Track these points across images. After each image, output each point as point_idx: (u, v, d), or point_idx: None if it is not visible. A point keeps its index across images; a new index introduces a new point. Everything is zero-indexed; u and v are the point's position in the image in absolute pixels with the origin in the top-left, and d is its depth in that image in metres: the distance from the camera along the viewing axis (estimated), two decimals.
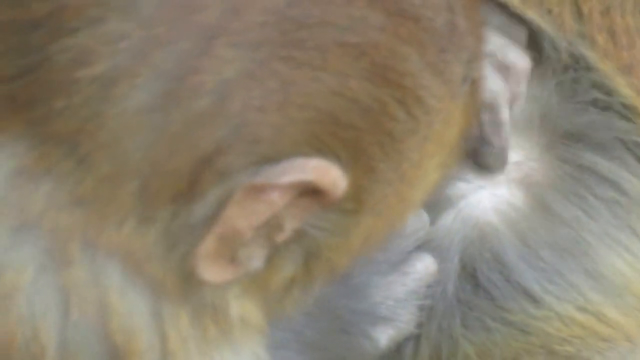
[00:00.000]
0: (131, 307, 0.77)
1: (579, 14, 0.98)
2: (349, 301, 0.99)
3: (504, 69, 0.97)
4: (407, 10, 0.77)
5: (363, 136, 0.76)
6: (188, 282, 0.76)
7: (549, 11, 0.96)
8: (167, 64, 0.70)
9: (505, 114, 0.96)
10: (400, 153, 0.79)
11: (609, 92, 0.96)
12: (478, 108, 0.89)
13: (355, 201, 0.78)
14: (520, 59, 0.97)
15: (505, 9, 0.98)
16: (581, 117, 0.97)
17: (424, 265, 0.97)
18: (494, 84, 0.93)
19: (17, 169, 0.75)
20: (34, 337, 0.77)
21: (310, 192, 0.73)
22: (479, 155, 0.96)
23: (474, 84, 0.85)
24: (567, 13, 0.97)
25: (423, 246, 0.97)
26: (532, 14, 0.96)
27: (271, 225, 0.74)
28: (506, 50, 0.97)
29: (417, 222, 0.96)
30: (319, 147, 0.73)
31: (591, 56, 0.97)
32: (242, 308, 0.80)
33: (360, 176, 0.77)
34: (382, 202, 0.81)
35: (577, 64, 0.97)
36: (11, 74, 0.74)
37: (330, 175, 0.73)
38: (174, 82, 0.70)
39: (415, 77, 0.78)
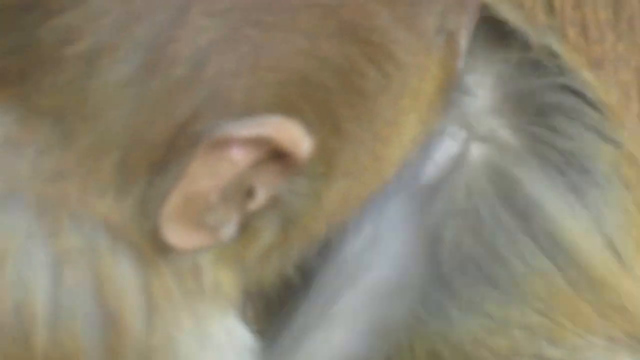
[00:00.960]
0: (120, 271, 0.79)
1: (550, 8, 1.01)
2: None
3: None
4: (366, 25, 0.78)
5: (333, 96, 0.77)
6: (163, 247, 0.78)
7: (522, 5, 0.98)
8: (145, 36, 0.73)
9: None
10: (373, 111, 0.80)
11: (577, 83, 0.97)
12: (457, 60, 0.89)
13: (325, 164, 0.78)
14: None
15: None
16: (549, 97, 0.98)
17: None
18: None
19: (4, 139, 0.78)
20: (24, 303, 0.78)
21: (276, 156, 0.74)
22: None
23: (450, 36, 0.86)
24: (539, 7, 1.00)
25: None
26: (505, 8, 0.97)
27: (240, 190, 0.75)
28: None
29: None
30: (288, 108, 0.75)
31: (561, 50, 0.98)
32: (217, 275, 0.82)
33: (329, 137, 0.78)
34: (354, 164, 0.81)
35: (548, 59, 0.98)
36: (3, 51, 0.77)
37: (290, 132, 0.74)
38: (152, 53, 0.73)
39: (385, 33, 0.79)
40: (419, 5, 0.80)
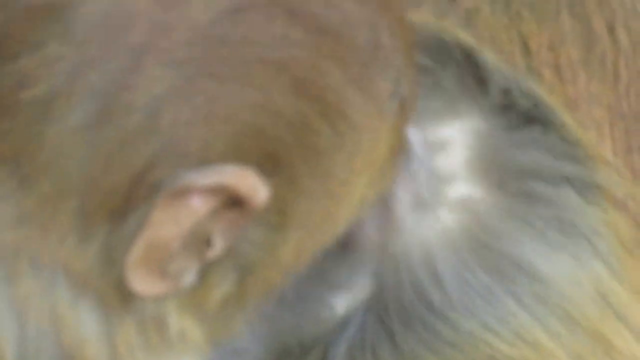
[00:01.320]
0: (81, 319, 0.79)
1: (527, 51, 1.02)
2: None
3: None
4: (327, 28, 0.79)
5: (288, 149, 0.78)
6: (127, 296, 0.78)
7: (501, 51, 1.01)
8: (100, 83, 0.73)
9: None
10: (326, 168, 0.81)
11: (556, 129, 0.98)
12: (408, 127, 0.90)
13: (281, 214, 0.79)
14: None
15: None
16: (528, 155, 0.98)
17: None
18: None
19: None
20: None
21: (234, 204, 0.75)
22: None
23: (403, 102, 0.86)
24: (517, 50, 1.02)
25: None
26: (487, 54, 0.98)
27: (199, 239, 0.76)
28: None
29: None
30: (244, 159, 0.75)
31: (540, 93, 0.99)
32: (181, 324, 0.82)
33: (285, 189, 0.78)
34: (308, 217, 0.82)
35: (528, 103, 0.99)
36: None
37: (248, 181, 0.74)
38: (107, 100, 0.73)
39: (337, 92, 0.80)
40: (373, 69, 0.81)
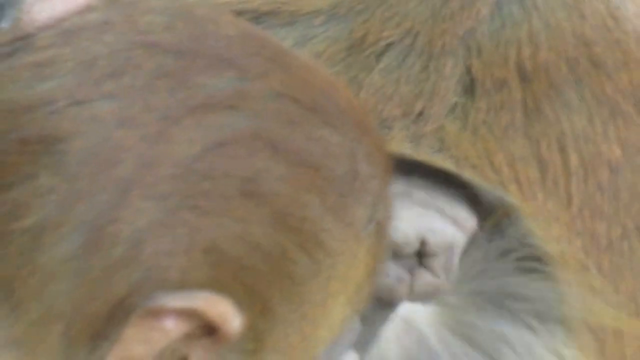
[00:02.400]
0: None
1: (492, 166, 1.04)
2: None
3: (455, 223, 1.03)
4: (308, 161, 0.81)
5: (263, 279, 0.79)
6: None
7: (474, 166, 1.01)
8: (88, 215, 0.75)
9: (456, 259, 1.01)
10: (302, 294, 0.82)
11: (531, 247, 1.01)
12: (385, 247, 0.91)
13: (255, 341, 0.80)
14: (468, 218, 1.03)
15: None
16: (501, 279, 1.02)
17: None
18: (449, 232, 0.99)
19: None
20: None
21: (208, 330, 0.76)
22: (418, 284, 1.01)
23: (379, 225, 0.87)
24: (486, 166, 1.03)
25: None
26: (468, 174, 1.01)
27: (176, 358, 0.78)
28: (456, 207, 1.04)
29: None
30: (219, 287, 0.77)
31: (516, 206, 1.02)
32: None
33: (259, 317, 0.79)
34: (284, 341, 0.83)
35: (506, 219, 1.02)
36: None
37: (220, 308, 0.75)
38: (94, 232, 0.75)
39: (315, 222, 0.81)
40: (351, 197, 0.83)
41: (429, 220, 0.99)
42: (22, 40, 0.89)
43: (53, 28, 0.89)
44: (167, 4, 0.95)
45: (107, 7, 0.92)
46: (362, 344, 1.00)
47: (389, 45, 1.05)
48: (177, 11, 0.92)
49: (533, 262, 1.00)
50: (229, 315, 0.76)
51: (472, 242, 1.01)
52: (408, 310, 1.01)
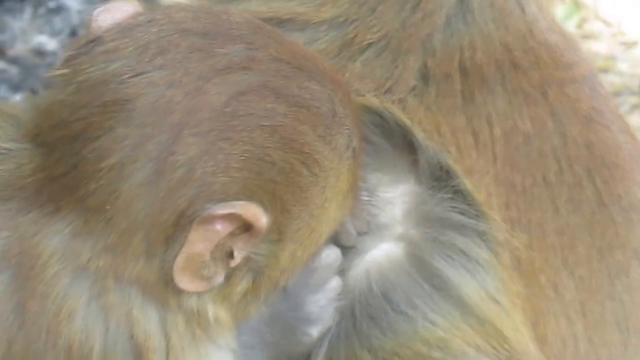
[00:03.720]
0: (147, 317, 1.07)
1: (439, 133, 1.27)
2: (292, 313, 1.25)
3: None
4: (300, 102, 1.07)
5: (279, 188, 1.05)
6: (178, 294, 1.06)
7: (425, 131, 1.24)
8: (154, 151, 1.01)
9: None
10: (307, 199, 1.09)
11: (463, 194, 1.24)
12: (360, 168, 1.15)
13: (278, 233, 1.07)
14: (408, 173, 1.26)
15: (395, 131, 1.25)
16: (444, 210, 1.24)
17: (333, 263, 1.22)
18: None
19: (72, 232, 1.06)
20: (86, 341, 1.06)
21: (245, 228, 1.01)
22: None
23: (355, 151, 1.13)
24: (434, 132, 1.26)
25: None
26: (418, 133, 1.24)
27: (224, 253, 1.03)
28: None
29: (333, 256, 1.23)
30: (250, 195, 1.02)
31: (453, 166, 1.24)
32: (216, 312, 1.09)
33: (279, 216, 1.06)
34: (298, 234, 1.10)
35: (443, 173, 1.24)
36: (63, 171, 1.06)
37: (252, 211, 1.01)
38: (159, 163, 1.01)
39: (311, 146, 1.07)
40: (332, 128, 1.09)
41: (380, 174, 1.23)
42: (95, 40, 1.13)
43: (114, 28, 1.14)
44: (193, 4, 1.24)
45: (151, 10, 1.16)
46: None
47: (369, 44, 1.31)
48: (199, 8, 1.19)
49: (464, 204, 1.23)
50: (259, 216, 1.03)
51: (421, 190, 1.24)
52: (377, 249, 1.25)
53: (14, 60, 4.13)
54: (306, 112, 1.07)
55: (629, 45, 4.08)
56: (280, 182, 1.07)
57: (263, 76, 1.08)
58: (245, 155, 1.04)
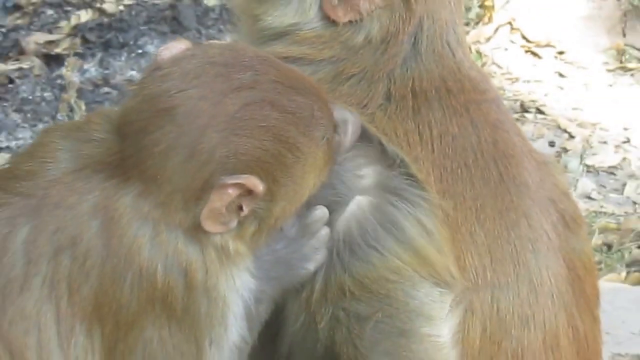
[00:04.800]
0: (188, 250, 1.38)
1: (396, 135, 1.51)
2: (293, 255, 1.51)
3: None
4: (288, 110, 1.38)
5: (271, 166, 1.37)
6: (207, 235, 1.36)
7: (386, 134, 1.50)
8: (188, 141, 1.34)
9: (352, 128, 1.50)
10: (291, 172, 1.39)
11: (411, 174, 1.54)
12: (333, 154, 1.44)
13: (271, 195, 1.40)
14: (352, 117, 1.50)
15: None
16: (399, 183, 1.54)
17: (323, 219, 1.49)
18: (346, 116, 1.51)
19: (137, 194, 1.39)
20: (151, 265, 1.37)
21: (248, 193, 1.31)
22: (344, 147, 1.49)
23: (328, 140, 1.44)
24: (393, 135, 1.52)
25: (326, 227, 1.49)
26: (381, 137, 1.56)
27: (236, 207, 1.36)
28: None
29: (321, 213, 1.51)
30: (251, 171, 1.35)
31: (407, 160, 1.54)
32: (235, 246, 1.41)
33: (271, 183, 1.38)
34: (285, 195, 1.41)
35: (398, 160, 1.53)
36: (131, 154, 1.39)
37: (252, 181, 1.35)
38: (191, 149, 1.34)
39: (295, 138, 1.38)
40: (311, 126, 1.40)
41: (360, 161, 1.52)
42: (157, 67, 1.41)
43: (170, 59, 1.45)
44: (221, 44, 1.47)
45: (194, 48, 1.43)
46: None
47: (353, 75, 1.60)
48: (227, 46, 1.46)
49: (411, 179, 1.52)
50: (256, 184, 1.36)
51: (384, 170, 1.47)
52: (355, 205, 1.53)
53: (114, 86, 4.91)
54: (292, 116, 1.38)
55: (512, 80, 5.05)
56: (271, 162, 1.37)
57: (263, 93, 1.38)
58: (248, 145, 1.36)
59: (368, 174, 1.51)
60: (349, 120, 1.50)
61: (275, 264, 1.48)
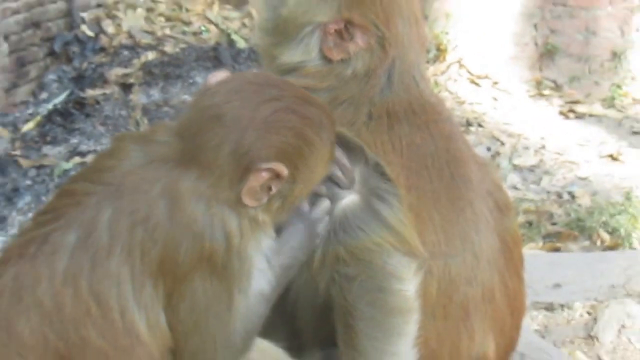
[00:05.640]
0: (231, 219, 1.33)
1: (375, 144, 1.49)
2: (309, 230, 1.46)
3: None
4: (306, 116, 1.36)
5: (294, 156, 1.34)
6: (245, 208, 1.31)
7: (368, 145, 1.47)
8: (233, 139, 1.32)
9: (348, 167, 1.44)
10: (307, 162, 1.36)
11: (386, 176, 1.49)
12: (334, 151, 1.40)
13: (292, 179, 1.36)
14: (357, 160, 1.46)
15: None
16: (376, 179, 1.49)
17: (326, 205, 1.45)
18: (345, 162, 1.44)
19: (195, 179, 1.34)
20: (204, 232, 1.31)
21: (277, 176, 1.29)
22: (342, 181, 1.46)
23: (331, 142, 1.41)
24: (372, 144, 1.48)
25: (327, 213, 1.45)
26: (364, 147, 1.49)
27: (267, 187, 1.31)
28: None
29: (325, 204, 1.47)
30: (279, 160, 1.33)
31: (383, 165, 1.48)
32: (263, 217, 1.37)
33: (293, 170, 1.34)
34: (303, 179, 1.37)
35: (376, 164, 1.49)
36: (190, 149, 1.33)
37: (279, 167, 1.32)
38: (236, 144, 1.31)
39: (310, 137, 1.36)
40: (322, 132, 1.37)
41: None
42: (207, 87, 1.39)
43: (217, 82, 1.41)
44: (253, 72, 1.48)
45: (233, 75, 1.41)
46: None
47: (344, 100, 1.57)
48: (256, 73, 1.45)
49: (386, 178, 1.49)
50: (283, 170, 1.33)
51: (367, 171, 1.49)
52: (348, 199, 1.49)
53: (171, 107, 5.07)
54: (308, 120, 1.35)
55: (460, 103, 5.25)
56: (293, 154, 1.35)
57: (287, 103, 1.35)
58: (277, 140, 1.34)
59: (356, 173, 1.48)
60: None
61: (292, 234, 1.43)
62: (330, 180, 1.44)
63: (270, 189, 1.32)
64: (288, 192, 1.36)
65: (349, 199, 1.47)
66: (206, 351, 1.32)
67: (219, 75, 1.41)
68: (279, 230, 1.40)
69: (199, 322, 1.30)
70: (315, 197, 1.43)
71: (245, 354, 1.35)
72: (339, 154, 1.42)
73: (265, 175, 1.31)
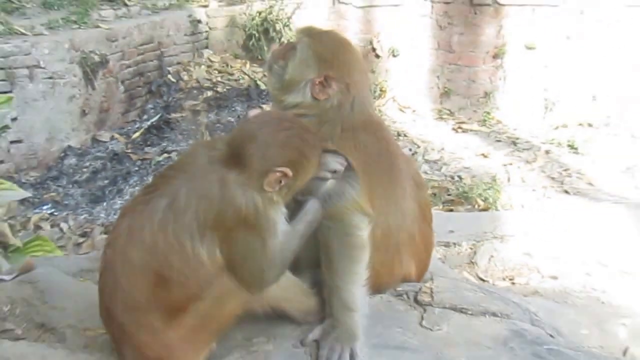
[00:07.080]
0: (257, 199, 1.21)
1: (348, 150, 1.34)
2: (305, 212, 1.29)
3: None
4: (304, 138, 1.24)
5: (295, 163, 1.23)
6: (266, 192, 1.22)
7: (345, 152, 1.34)
8: (259, 150, 1.21)
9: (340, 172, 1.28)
10: (304, 167, 1.25)
11: (351, 167, 1.31)
12: (320, 163, 1.27)
13: (295, 177, 1.24)
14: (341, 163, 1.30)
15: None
16: (348, 169, 1.31)
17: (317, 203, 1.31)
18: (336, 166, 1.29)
19: (237, 174, 1.21)
20: (240, 207, 1.20)
21: (285, 176, 1.21)
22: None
23: (320, 153, 1.27)
24: (348, 151, 1.33)
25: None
26: (339, 150, 1.31)
27: (279, 181, 1.22)
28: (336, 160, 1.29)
29: (315, 205, 1.32)
30: (287, 165, 1.21)
31: (348, 158, 1.32)
32: (276, 198, 1.24)
33: (295, 172, 1.23)
34: (301, 178, 1.26)
35: (346, 160, 1.30)
36: (233, 154, 1.21)
37: (287, 171, 1.20)
38: (260, 153, 1.20)
39: (307, 152, 1.24)
40: (313, 149, 1.24)
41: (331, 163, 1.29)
42: (246, 118, 1.29)
43: (254, 115, 1.31)
44: (274, 111, 1.34)
45: (263, 111, 1.30)
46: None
47: (326, 122, 1.41)
48: (278, 112, 1.33)
49: (351, 170, 1.32)
50: (289, 172, 1.21)
51: (346, 171, 1.33)
52: (330, 183, 1.29)
53: (223, 124, 4.94)
54: (307, 143, 1.25)
55: (394, 123, 5.06)
56: (296, 163, 1.24)
57: (295, 132, 1.24)
58: (288, 154, 1.24)
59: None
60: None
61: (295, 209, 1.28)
62: (330, 172, 1.32)
63: (281, 182, 1.23)
64: (291, 185, 1.27)
65: (332, 182, 1.36)
66: (254, 272, 1.22)
67: (255, 111, 1.42)
68: (288, 207, 1.29)
69: (245, 255, 1.21)
70: (317, 181, 1.33)
71: (283, 272, 1.26)
72: (329, 158, 1.32)
73: (278, 174, 1.22)
